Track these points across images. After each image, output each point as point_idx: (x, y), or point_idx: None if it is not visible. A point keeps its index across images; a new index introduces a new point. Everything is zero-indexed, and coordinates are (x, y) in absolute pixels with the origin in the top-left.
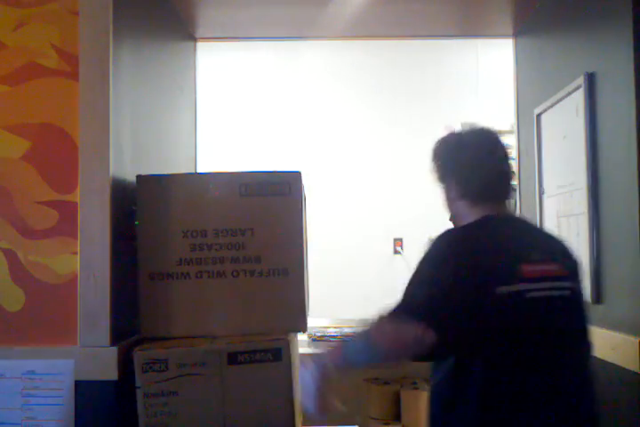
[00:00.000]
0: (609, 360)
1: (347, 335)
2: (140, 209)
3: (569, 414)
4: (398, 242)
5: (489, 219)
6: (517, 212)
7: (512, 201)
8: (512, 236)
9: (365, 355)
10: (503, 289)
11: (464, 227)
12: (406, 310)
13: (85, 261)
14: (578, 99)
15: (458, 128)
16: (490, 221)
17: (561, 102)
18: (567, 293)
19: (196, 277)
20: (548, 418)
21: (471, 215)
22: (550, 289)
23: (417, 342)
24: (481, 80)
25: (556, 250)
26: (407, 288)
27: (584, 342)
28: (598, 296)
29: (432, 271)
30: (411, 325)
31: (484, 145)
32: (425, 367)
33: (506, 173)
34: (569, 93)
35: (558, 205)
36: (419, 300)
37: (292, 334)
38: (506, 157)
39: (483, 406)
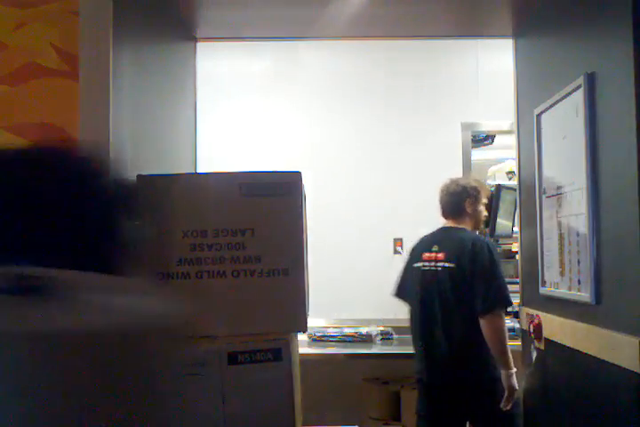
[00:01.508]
0: (609, 360)
1: (347, 335)
2: (141, 209)
3: (439, 332)
4: (398, 242)
5: (438, 228)
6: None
7: (464, 216)
8: (432, 238)
9: None
10: (415, 264)
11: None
12: None
13: None
14: (578, 99)
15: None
16: (436, 230)
17: (561, 102)
18: (440, 269)
19: (196, 277)
20: (426, 332)
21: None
22: (434, 266)
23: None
24: (481, 80)
25: (451, 246)
26: None
27: (455, 296)
28: (598, 296)
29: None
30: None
31: (444, 188)
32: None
33: (451, 203)
34: (569, 93)
35: (558, 205)
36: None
37: (292, 334)
38: (452, 194)
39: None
